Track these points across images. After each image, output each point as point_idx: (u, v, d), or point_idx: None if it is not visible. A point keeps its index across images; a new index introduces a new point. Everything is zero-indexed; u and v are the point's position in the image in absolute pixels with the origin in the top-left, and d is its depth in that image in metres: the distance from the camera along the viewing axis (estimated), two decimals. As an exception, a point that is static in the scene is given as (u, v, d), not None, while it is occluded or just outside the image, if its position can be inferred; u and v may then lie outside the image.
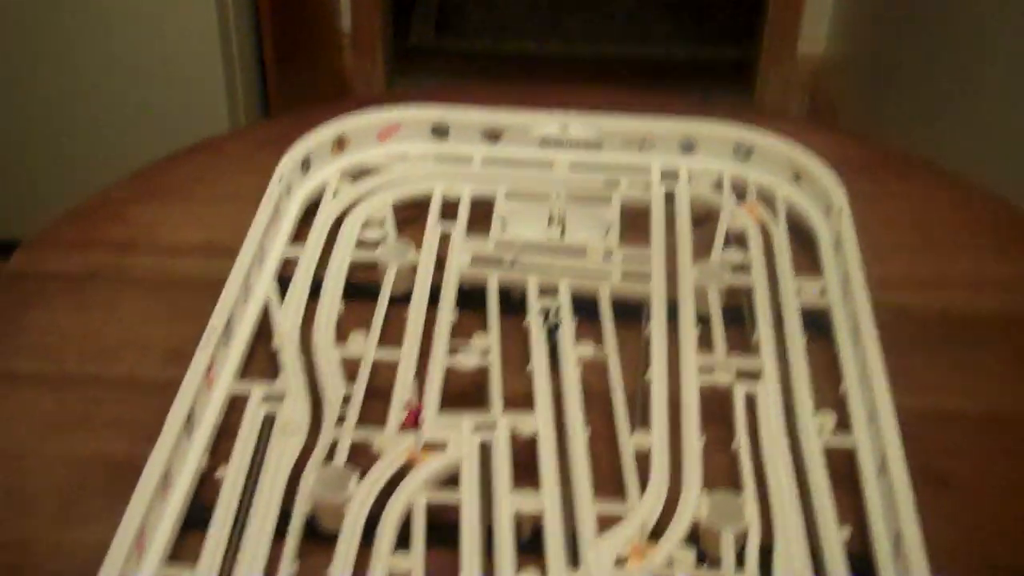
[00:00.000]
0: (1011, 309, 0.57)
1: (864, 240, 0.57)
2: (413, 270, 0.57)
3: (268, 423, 0.48)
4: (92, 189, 0.65)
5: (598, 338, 0.53)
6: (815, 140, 0.65)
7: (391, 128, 0.65)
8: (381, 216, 0.61)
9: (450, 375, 0.51)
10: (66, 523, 0.45)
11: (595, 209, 0.61)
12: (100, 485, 0.47)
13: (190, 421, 0.47)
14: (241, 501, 0.45)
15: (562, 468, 0.46)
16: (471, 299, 0.55)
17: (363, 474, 0.45)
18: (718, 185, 0.63)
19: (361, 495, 0.45)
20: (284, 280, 0.56)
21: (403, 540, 0.43)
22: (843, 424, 0.49)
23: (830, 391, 0.51)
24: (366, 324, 0.53)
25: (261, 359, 0.53)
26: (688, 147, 0.65)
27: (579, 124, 0.65)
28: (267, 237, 0.58)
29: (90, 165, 1.28)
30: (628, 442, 0.48)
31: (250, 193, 0.59)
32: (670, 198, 0.62)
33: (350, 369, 0.51)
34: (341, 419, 0.48)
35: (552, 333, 0.53)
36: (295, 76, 1.38)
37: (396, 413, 0.49)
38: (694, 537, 0.44)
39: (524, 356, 0.52)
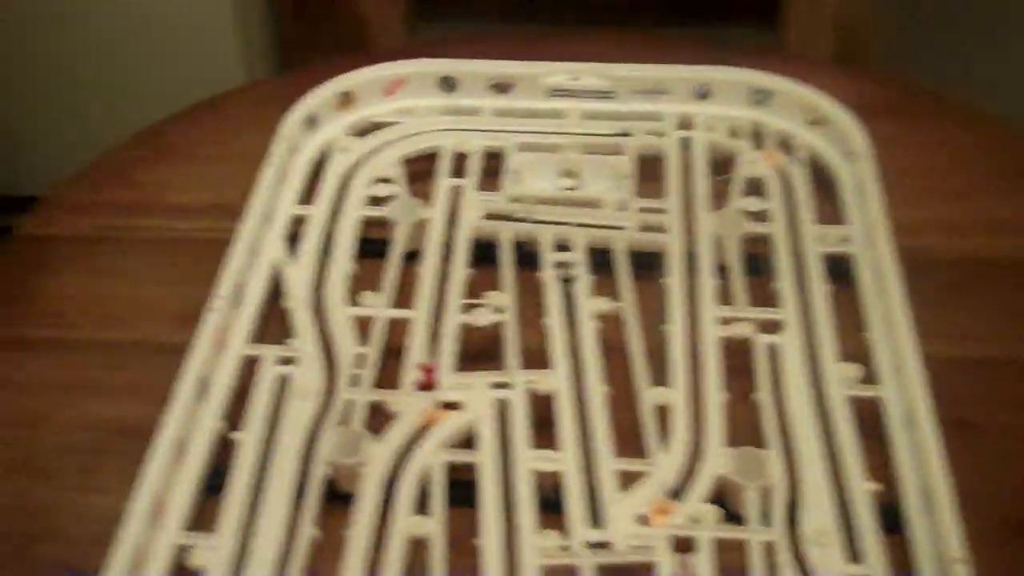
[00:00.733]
0: (1040, 253, 0.56)
1: (887, 185, 0.55)
2: (424, 226, 0.56)
3: (282, 385, 0.48)
4: (102, 143, 0.64)
5: (615, 292, 0.52)
6: (838, 82, 0.63)
7: (397, 82, 0.64)
8: (390, 173, 0.60)
9: (465, 333, 0.50)
10: (85, 489, 0.45)
11: (609, 159, 0.59)
12: (118, 450, 0.46)
13: (204, 385, 0.47)
14: (258, 465, 0.44)
15: (581, 425, 0.46)
16: (485, 255, 0.54)
17: (379, 435, 0.45)
18: (735, 132, 0.62)
19: (378, 456, 0.44)
20: (293, 240, 0.56)
21: (422, 501, 0.43)
22: (869, 375, 0.48)
23: (855, 341, 0.49)
24: (378, 283, 0.52)
25: (273, 321, 0.52)
26: (703, 93, 0.63)
27: (590, 73, 0.63)
28: (275, 197, 0.57)
29: (99, 120, 1.27)
30: (648, 397, 0.47)
31: (259, 152, 0.58)
32: (686, 146, 0.61)
33: (363, 329, 0.50)
34: (356, 380, 0.48)
35: (567, 286, 0.52)
36: (312, 27, 1.35)
37: (411, 373, 0.48)
38: (718, 494, 0.43)
39: (540, 312, 0.51)
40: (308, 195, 0.59)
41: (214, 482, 0.44)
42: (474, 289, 0.52)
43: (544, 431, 0.46)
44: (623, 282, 0.52)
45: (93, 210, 0.60)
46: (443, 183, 0.58)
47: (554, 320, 0.50)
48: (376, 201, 0.58)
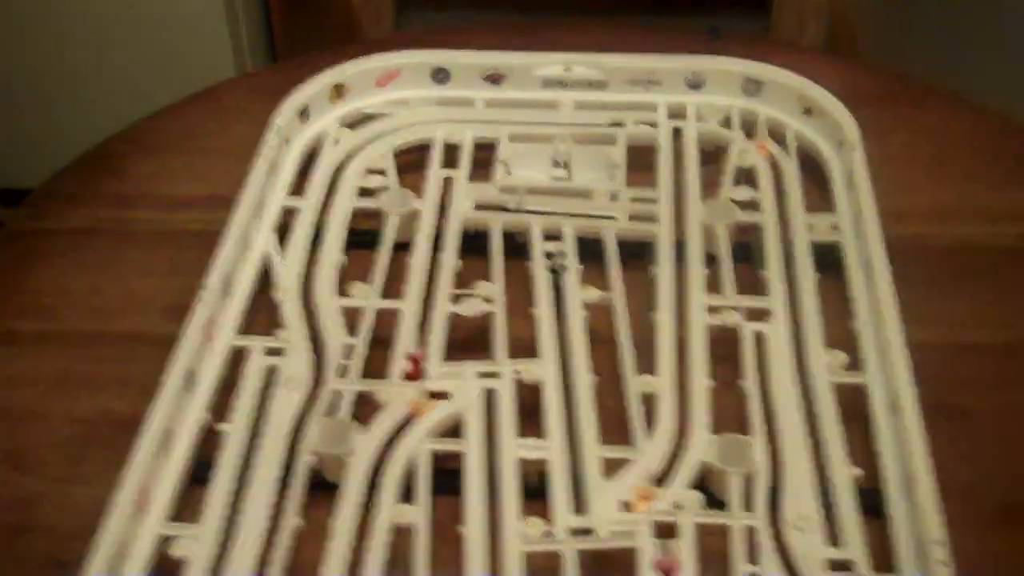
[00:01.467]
0: (1030, 240, 0.55)
1: (878, 173, 0.55)
2: (415, 217, 0.56)
3: (270, 376, 0.48)
4: (93, 135, 0.64)
5: (604, 281, 0.52)
6: (828, 72, 0.63)
7: (390, 74, 0.64)
8: (382, 164, 0.60)
9: (454, 323, 0.50)
10: (72, 481, 0.45)
11: (601, 149, 0.59)
12: (105, 442, 0.46)
13: (191, 376, 0.47)
14: (243, 455, 0.45)
15: (567, 413, 0.46)
16: (475, 245, 0.54)
17: (366, 425, 0.45)
18: (726, 122, 0.62)
19: (364, 446, 0.44)
20: (284, 231, 0.56)
21: (408, 490, 0.43)
22: (855, 361, 0.48)
23: (842, 329, 0.49)
24: (368, 274, 0.53)
25: (262, 312, 0.52)
26: (695, 83, 0.63)
27: (582, 64, 0.63)
28: (266, 188, 0.57)
29: (90, 112, 1.27)
30: (634, 385, 0.47)
31: (251, 144, 0.58)
32: (677, 136, 0.61)
33: (352, 319, 0.50)
34: (343, 370, 0.48)
35: (557, 277, 0.52)
36: (303, 17, 1.35)
37: (399, 363, 0.48)
38: (702, 480, 0.43)
39: (529, 302, 0.51)
40: (299, 186, 0.59)
41: (200, 473, 0.44)
42: (464, 279, 0.52)
43: (531, 420, 0.46)
44: (613, 272, 0.52)
45: (84, 202, 0.60)
46: (434, 174, 0.58)
47: (543, 310, 0.50)
48: (367, 192, 0.58)
